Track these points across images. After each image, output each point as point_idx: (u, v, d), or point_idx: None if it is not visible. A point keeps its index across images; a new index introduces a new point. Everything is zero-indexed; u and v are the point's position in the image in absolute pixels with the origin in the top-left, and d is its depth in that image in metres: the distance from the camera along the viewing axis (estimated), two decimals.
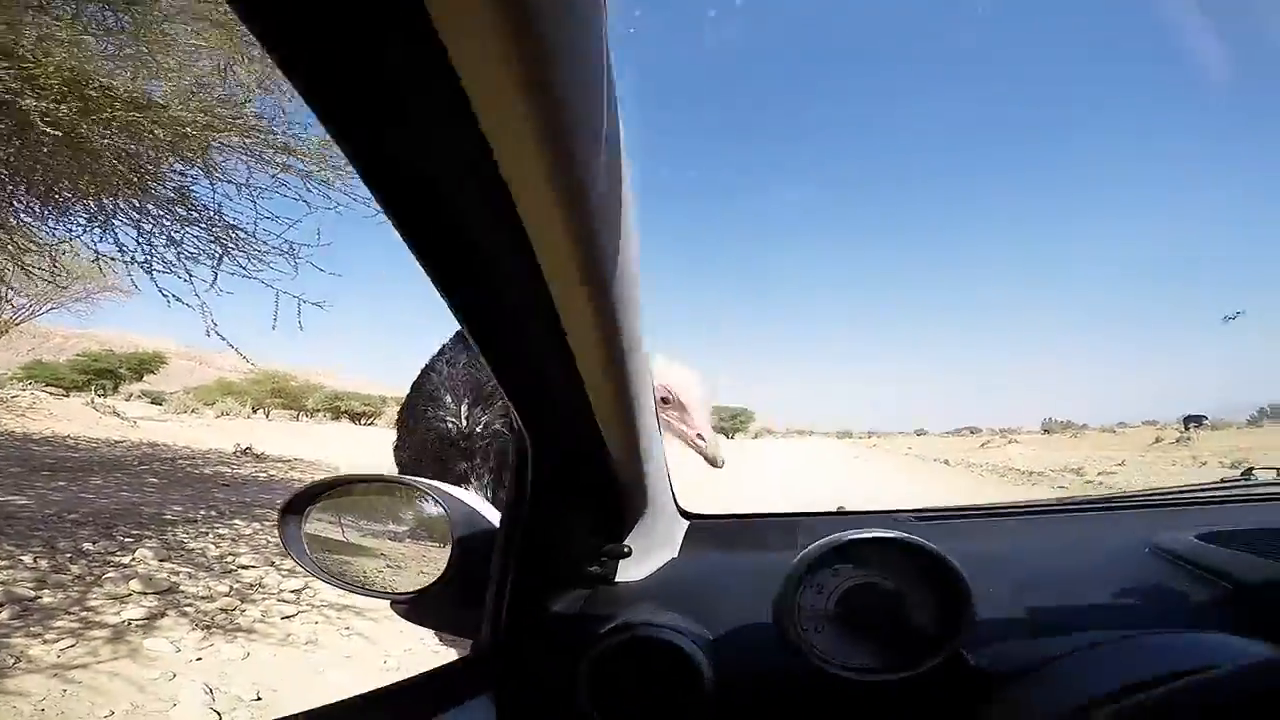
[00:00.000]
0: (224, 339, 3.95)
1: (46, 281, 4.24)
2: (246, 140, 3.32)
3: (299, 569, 0.80)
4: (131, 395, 19.57)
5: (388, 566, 0.73)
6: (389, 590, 0.71)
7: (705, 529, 0.95)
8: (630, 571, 0.75)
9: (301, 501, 0.72)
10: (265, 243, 3.83)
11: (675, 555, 0.83)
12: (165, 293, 4.02)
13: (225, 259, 3.80)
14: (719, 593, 0.72)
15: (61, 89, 2.67)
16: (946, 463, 15.28)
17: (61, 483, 5.20)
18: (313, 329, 4.03)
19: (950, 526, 0.89)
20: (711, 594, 0.71)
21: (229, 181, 3.62)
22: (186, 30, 2.90)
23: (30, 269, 3.95)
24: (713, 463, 1.30)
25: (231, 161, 3.51)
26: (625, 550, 0.72)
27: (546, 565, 0.67)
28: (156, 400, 19.53)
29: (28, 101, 2.60)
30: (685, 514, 0.95)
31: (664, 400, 1.33)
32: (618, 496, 0.67)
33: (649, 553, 0.77)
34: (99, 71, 2.77)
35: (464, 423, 1.53)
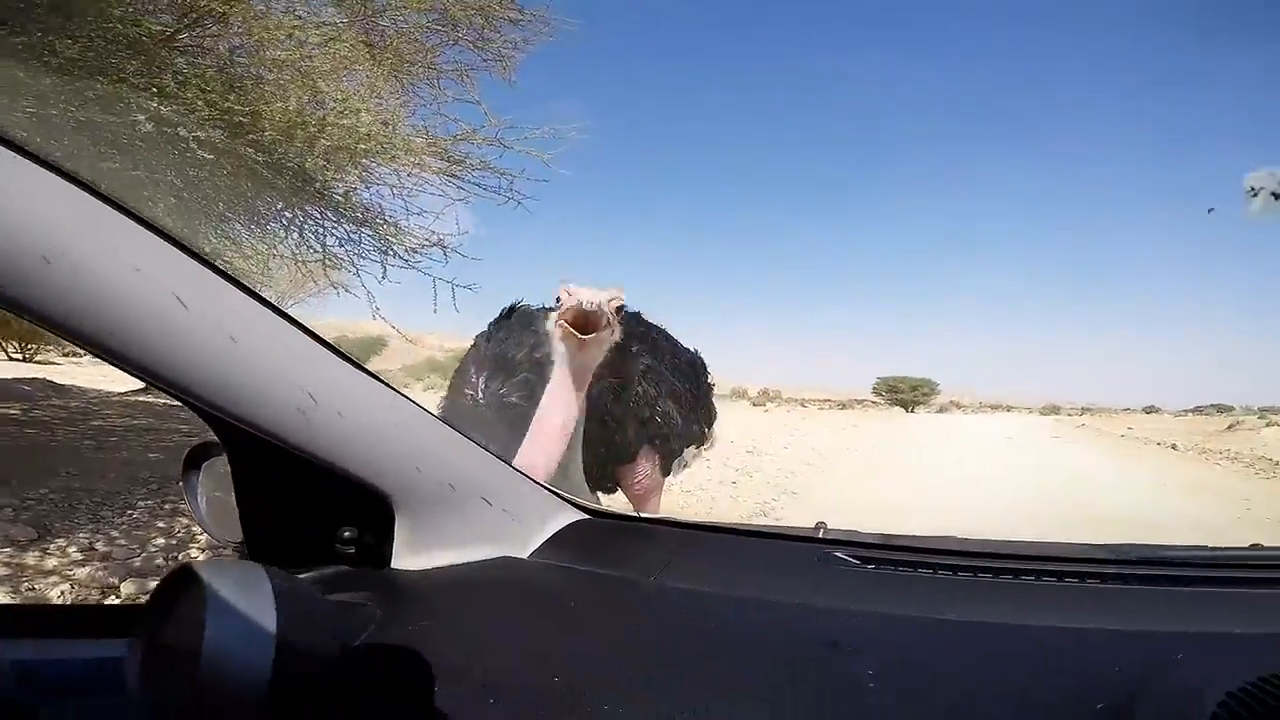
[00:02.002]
0: (386, 320, 4.50)
1: (257, 280, 5.06)
2: (394, 149, 3.63)
3: None
4: None
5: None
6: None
7: (599, 530, 0.83)
8: (412, 558, 0.64)
9: (200, 454, 0.76)
10: (418, 236, 4.23)
11: (514, 552, 0.71)
12: (336, 285, 4.61)
13: (389, 253, 4.27)
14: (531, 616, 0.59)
15: (264, 120, 3.11)
16: (1174, 447, 12.35)
17: None
18: (468, 309, 4.37)
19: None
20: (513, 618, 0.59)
21: (383, 184, 4.02)
22: (339, 55, 3.20)
23: (244, 272, 4.76)
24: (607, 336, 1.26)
25: (382, 168, 3.85)
26: (344, 534, 0.63)
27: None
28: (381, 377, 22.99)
29: (243, 143, 3.06)
30: (582, 506, 0.84)
31: (572, 324, 1.26)
32: (332, 474, 0.57)
33: (441, 538, 0.66)
34: (272, 95, 3.14)
35: (480, 394, 1.55)
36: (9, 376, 8.20)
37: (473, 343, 1.71)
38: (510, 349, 1.58)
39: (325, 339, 0.54)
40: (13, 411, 5.66)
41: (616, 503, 1.85)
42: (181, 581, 0.39)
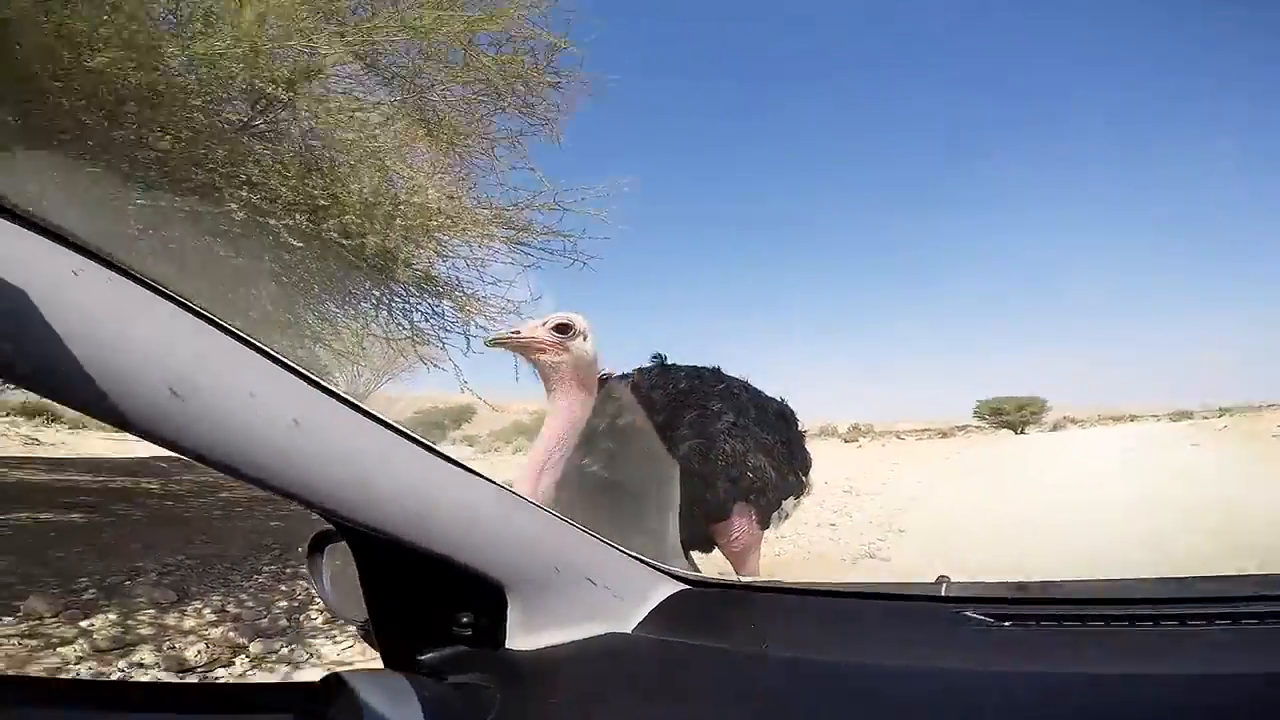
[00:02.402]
0: (473, 392, 4.68)
1: (355, 358, 5.47)
2: (463, 222, 3.89)
3: None
4: (455, 440, 24.28)
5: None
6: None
7: (702, 600, 0.81)
8: (525, 638, 0.66)
9: (322, 540, 0.80)
10: (494, 304, 4.46)
11: (618, 627, 0.72)
12: (424, 361, 4.89)
13: (470, 324, 4.53)
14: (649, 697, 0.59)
15: (342, 202, 3.44)
16: None
17: None
18: None
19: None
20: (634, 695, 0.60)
21: (457, 257, 4.30)
22: (400, 133, 3.52)
23: (343, 353, 5.17)
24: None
25: (454, 241, 4.13)
26: (462, 620, 0.66)
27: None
28: (471, 443, 23.88)
29: (328, 226, 3.40)
30: (681, 577, 0.83)
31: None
32: (450, 561, 0.60)
33: (551, 619, 0.68)
34: (347, 176, 3.46)
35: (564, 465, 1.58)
36: (146, 455, 9.13)
37: None
38: (592, 419, 1.62)
39: (434, 446, 0.58)
40: (153, 486, 6.33)
41: (713, 561, 1.85)
42: (336, 691, 0.45)
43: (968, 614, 0.68)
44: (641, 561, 0.81)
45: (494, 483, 0.63)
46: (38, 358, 0.39)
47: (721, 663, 0.65)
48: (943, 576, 0.84)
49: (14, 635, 2.21)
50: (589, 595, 0.71)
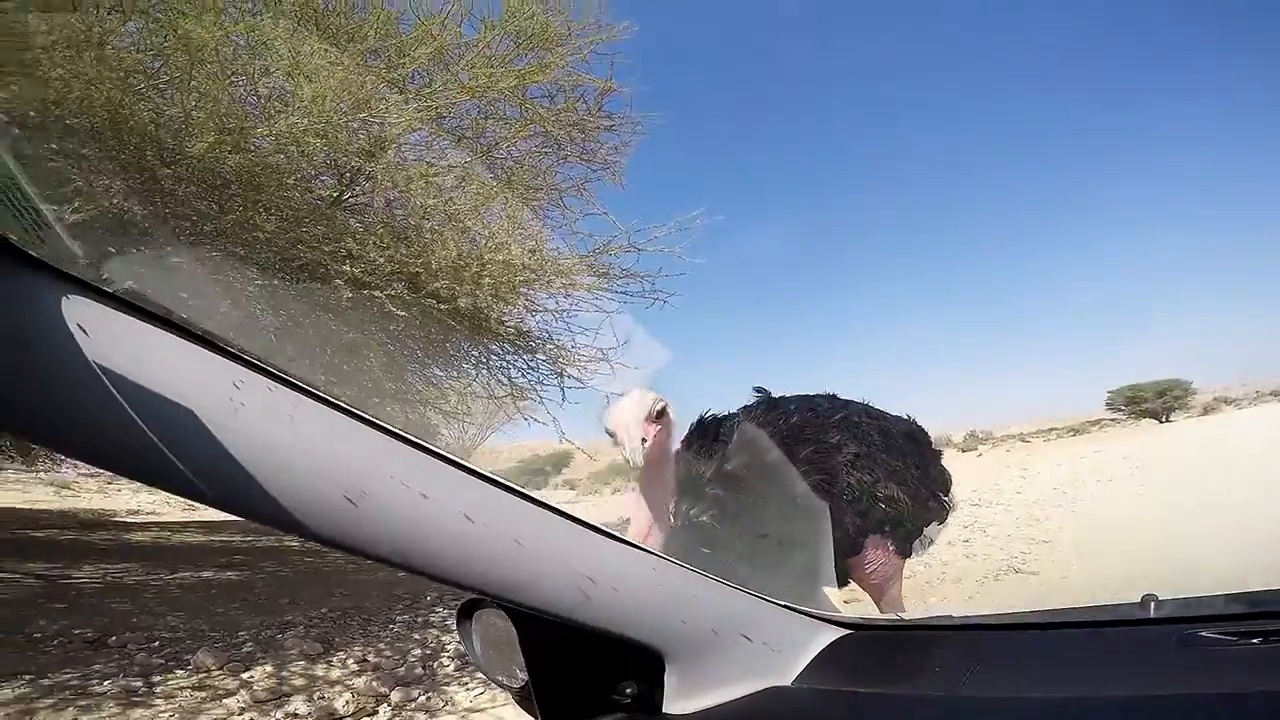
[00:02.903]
0: (572, 442, 4.77)
1: (461, 417, 5.74)
2: (546, 274, 4.05)
3: None
4: (557, 485, 24.85)
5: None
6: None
7: (868, 645, 0.76)
8: (682, 701, 0.65)
9: (472, 605, 0.82)
10: (585, 353, 4.56)
11: (779, 681, 0.69)
12: (524, 415, 5.05)
13: (563, 375, 4.65)
14: None
15: (433, 267, 3.65)
16: None
17: None
18: None
19: None
20: None
21: (545, 310, 4.45)
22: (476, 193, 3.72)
23: (450, 414, 5.44)
24: (629, 463, 1.32)
25: (540, 294, 4.29)
26: (627, 690, 0.66)
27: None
28: (572, 486, 24.33)
29: (424, 293, 3.61)
30: (841, 622, 0.79)
31: (611, 434, 1.36)
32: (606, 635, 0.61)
33: (709, 679, 0.66)
34: (432, 241, 3.67)
35: (673, 519, 1.55)
36: None
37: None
38: (697, 466, 1.59)
39: (590, 521, 0.60)
40: (294, 544, 6.86)
41: (855, 596, 1.77)
42: None
43: (1204, 633, 0.60)
44: (794, 610, 0.78)
45: (645, 550, 0.64)
46: (212, 478, 0.41)
47: (899, 708, 0.62)
48: (1149, 595, 0.74)
49: (187, 687, 2.44)
50: (745, 652, 0.69)
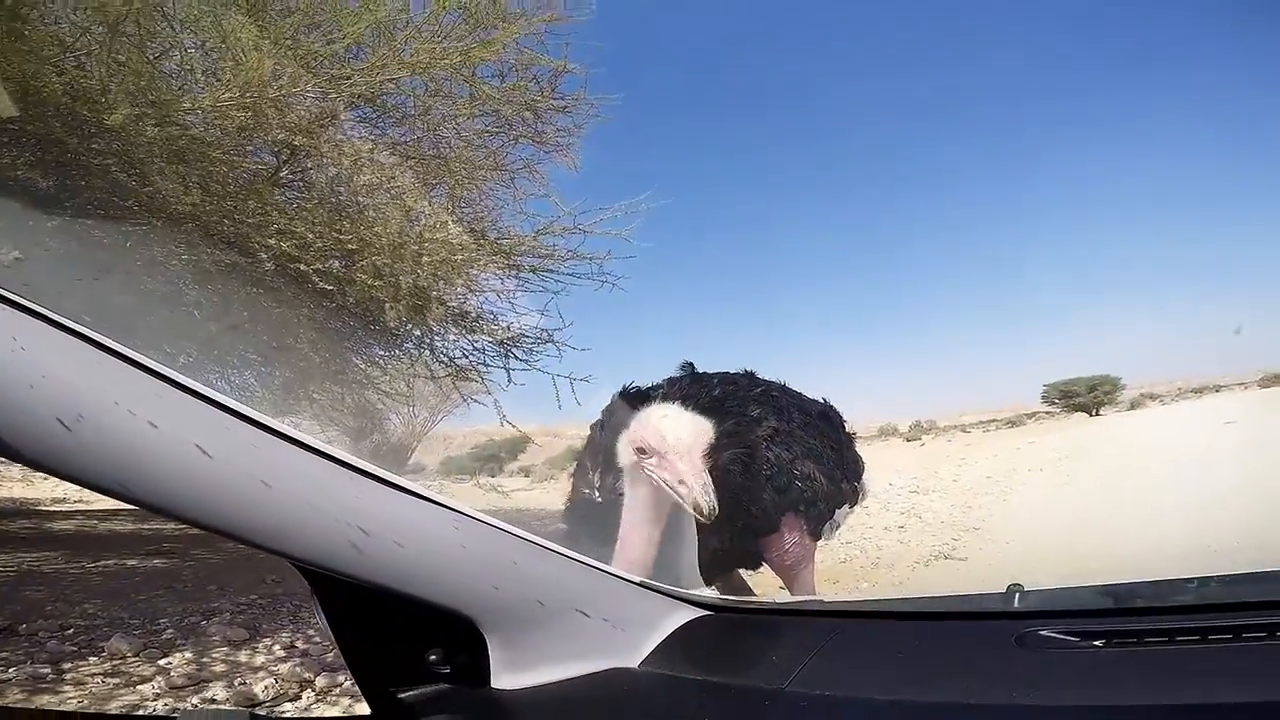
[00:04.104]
0: (515, 426, 4.74)
1: (402, 399, 5.64)
2: (486, 254, 3.99)
3: None
4: (512, 472, 24.67)
5: None
6: None
7: (721, 628, 0.74)
8: (511, 676, 0.62)
9: None
10: (530, 335, 4.54)
11: (623, 662, 0.66)
12: (464, 396, 4.98)
13: (509, 357, 4.60)
14: None
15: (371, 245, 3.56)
16: None
17: None
18: (589, 401, 4.51)
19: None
20: None
21: (488, 291, 4.40)
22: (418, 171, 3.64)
23: (393, 394, 5.34)
24: (698, 510, 1.19)
25: (482, 274, 4.23)
26: (430, 658, 0.62)
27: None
28: (527, 473, 24.21)
29: (360, 269, 3.52)
30: (700, 602, 0.76)
31: (640, 451, 1.29)
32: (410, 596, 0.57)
33: (540, 655, 0.63)
34: (373, 219, 3.58)
35: (596, 491, 1.54)
36: None
37: (588, 434, 1.75)
38: (612, 437, 1.56)
39: (371, 469, 0.55)
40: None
41: (763, 580, 1.78)
42: None
43: (1044, 633, 0.58)
44: (648, 588, 0.75)
45: (452, 507, 0.59)
46: None
47: (734, 700, 0.60)
48: (1014, 585, 0.71)
49: (98, 674, 2.35)
50: (583, 628, 0.66)
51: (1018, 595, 0.69)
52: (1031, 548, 4.70)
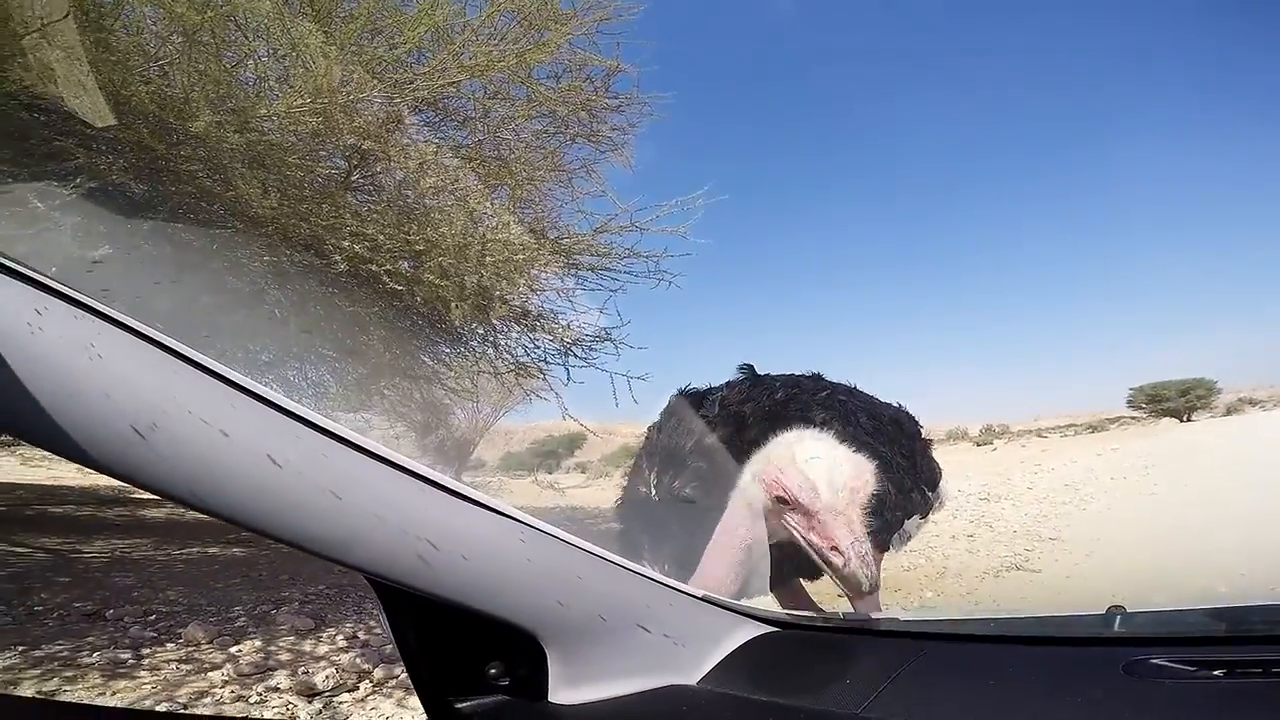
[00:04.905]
0: (576, 420, 4.78)
1: (467, 395, 5.79)
2: (546, 253, 4.03)
3: None
4: (569, 469, 25.04)
5: None
6: None
7: (788, 646, 0.69)
8: (569, 691, 0.60)
9: None
10: (589, 333, 4.56)
11: (682, 679, 0.64)
12: (526, 391, 5.04)
13: (569, 354, 4.65)
14: None
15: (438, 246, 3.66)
16: None
17: None
18: (645, 398, 4.51)
19: None
20: None
21: (548, 290, 4.44)
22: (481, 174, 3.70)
23: (458, 391, 5.48)
24: (854, 587, 1.01)
25: (543, 274, 4.27)
26: (490, 671, 0.61)
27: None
28: (583, 469, 24.47)
29: (427, 269, 3.62)
30: (766, 618, 0.72)
31: (781, 500, 1.10)
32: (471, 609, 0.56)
33: (599, 670, 0.61)
34: (439, 220, 3.66)
35: (653, 490, 1.49)
36: None
37: (645, 434, 1.68)
38: (679, 438, 1.53)
39: (439, 478, 0.54)
40: None
41: (823, 592, 1.70)
42: None
43: (1156, 661, 0.53)
44: (711, 602, 0.72)
45: (519, 519, 0.58)
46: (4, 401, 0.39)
47: None
48: (1115, 607, 0.66)
49: (173, 660, 2.46)
50: (644, 644, 0.64)
51: (1119, 618, 0.64)
52: (1115, 561, 4.41)
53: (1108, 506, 6.52)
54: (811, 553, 1.08)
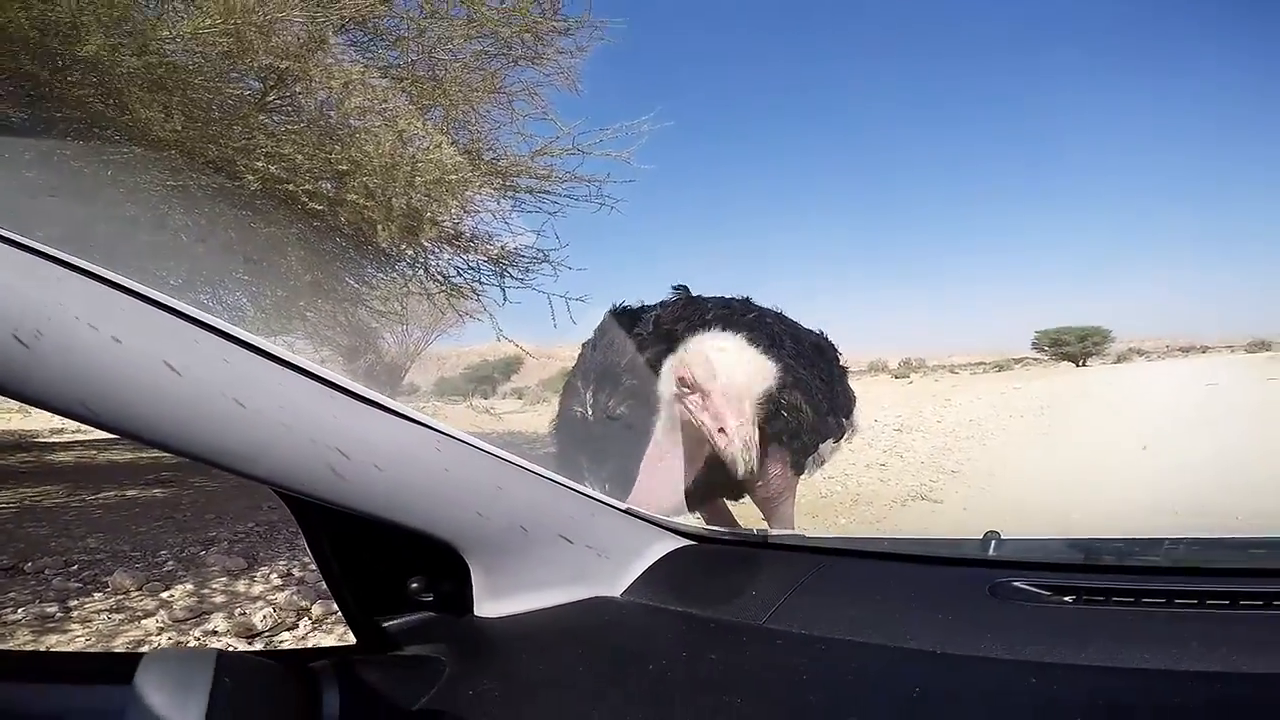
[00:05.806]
0: (513, 341, 4.75)
1: (395, 317, 5.61)
2: (482, 175, 3.84)
3: None
4: (505, 394, 24.86)
5: None
6: None
7: (704, 559, 0.72)
8: (493, 604, 0.61)
9: None
10: (526, 255, 4.46)
11: (604, 591, 0.65)
12: (460, 314, 4.92)
13: (505, 275, 4.54)
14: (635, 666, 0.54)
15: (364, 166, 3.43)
16: None
17: None
18: (584, 321, 4.49)
19: None
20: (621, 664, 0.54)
21: (483, 211, 4.27)
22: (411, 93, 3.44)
23: (385, 313, 5.28)
24: (732, 466, 1.06)
25: (478, 195, 4.09)
26: (413, 585, 0.61)
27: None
28: (520, 394, 24.39)
29: (351, 189, 3.39)
30: (686, 532, 0.75)
31: (683, 382, 1.15)
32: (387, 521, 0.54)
33: (522, 582, 0.62)
34: (365, 140, 3.43)
35: (588, 409, 1.49)
36: None
37: (579, 353, 1.66)
38: (613, 356, 1.52)
39: (350, 385, 0.51)
40: None
41: (746, 512, 1.76)
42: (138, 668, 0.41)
43: (1016, 584, 0.58)
44: (631, 515, 0.73)
45: (435, 428, 0.55)
46: None
47: (714, 634, 0.59)
48: (991, 532, 0.71)
49: (103, 610, 2.37)
50: (566, 556, 0.64)
51: (994, 543, 0.69)
52: (1007, 495, 4.78)
53: (1004, 443, 7.02)
54: (704, 433, 1.13)
